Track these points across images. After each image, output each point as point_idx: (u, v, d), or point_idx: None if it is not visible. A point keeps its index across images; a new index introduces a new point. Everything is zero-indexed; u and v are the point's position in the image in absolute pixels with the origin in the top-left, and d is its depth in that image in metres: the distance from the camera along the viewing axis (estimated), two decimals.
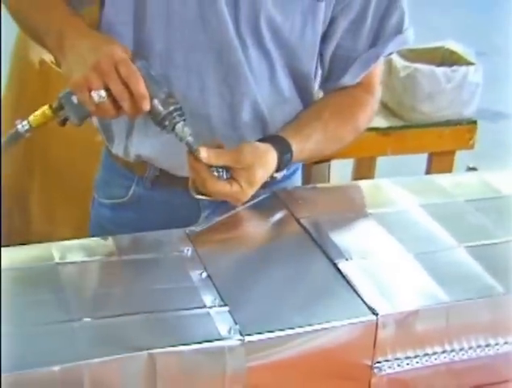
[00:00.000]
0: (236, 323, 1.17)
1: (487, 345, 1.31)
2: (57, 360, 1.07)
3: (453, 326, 1.28)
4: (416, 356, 1.26)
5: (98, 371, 1.09)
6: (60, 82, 2.58)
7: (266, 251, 1.41)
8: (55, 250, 1.32)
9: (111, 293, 1.26)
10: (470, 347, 1.30)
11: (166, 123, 1.42)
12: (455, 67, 3.17)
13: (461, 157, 3.25)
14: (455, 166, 3.29)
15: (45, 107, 1.43)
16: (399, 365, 1.25)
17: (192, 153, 1.43)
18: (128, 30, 1.55)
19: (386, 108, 3.24)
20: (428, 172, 3.34)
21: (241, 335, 1.15)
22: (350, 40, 1.64)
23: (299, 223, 1.44)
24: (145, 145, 1.61)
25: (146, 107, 1.38)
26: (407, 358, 1.26)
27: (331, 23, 1.61)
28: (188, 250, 1.36)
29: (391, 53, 1.71)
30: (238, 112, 1.59)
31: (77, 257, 1.32)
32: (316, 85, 1.70)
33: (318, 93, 1.73)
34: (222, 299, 1.22)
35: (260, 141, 1.54)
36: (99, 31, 1.55)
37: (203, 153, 1.42)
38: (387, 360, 1.24)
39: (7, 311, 1.16)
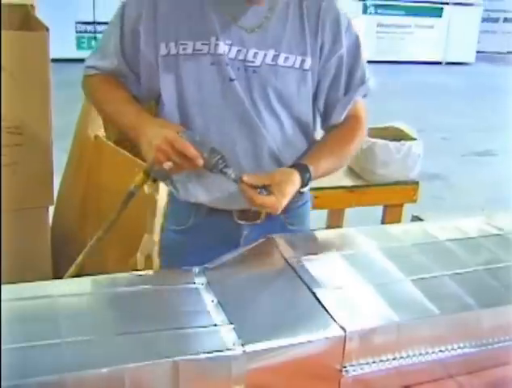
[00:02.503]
0: (239, 338, 1.17)
1: (426, 353, 1.30)
2: (104, 364, 1.08)
3: (402, 339, 1.27)
4: (374, 362, 1.26)
5: (135, 373, 1.09)
6: (109, 152, 2.62)
7: (262, 284, 1.41)
8: (105, 281, 1.33)
9: (145, 313, 1.26)
10: (414, 355, 1.29)
11: (214, 170, 1.54)
12: (402, 141, 3.20)
13: (408, 208, 3.27)
14: (404, 215, 3.31)
15: (141, 173, 1.61)
16: (361, 369, 1.25)
17: (240, 181, 1.53)
18: (175, 114, 1.65)
19: (352, 172, 3.27)
20: (383, 219, 3.36)
21: (243, 346, 1.15)
22: (333, 91, 1.72)
23: (286, 261, 1.44)
24: (200, 193, 1.69)
25: (200, 163, 1.51)
26: (367, 363, 1.25)
27: (318, 84, 1.69)
28: (203, 283, 1.36)
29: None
30: (260, 159, 1.66)
31: (121, 287, 1.33)
32: (315, 127, 1.77)
33: (319, 133, 1.80)
34: (229, 320, 1.22)
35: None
36: (158, 115, 1.68)
37: (245, 177, 1.53)
38: (352, 365, 1.24)
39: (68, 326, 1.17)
